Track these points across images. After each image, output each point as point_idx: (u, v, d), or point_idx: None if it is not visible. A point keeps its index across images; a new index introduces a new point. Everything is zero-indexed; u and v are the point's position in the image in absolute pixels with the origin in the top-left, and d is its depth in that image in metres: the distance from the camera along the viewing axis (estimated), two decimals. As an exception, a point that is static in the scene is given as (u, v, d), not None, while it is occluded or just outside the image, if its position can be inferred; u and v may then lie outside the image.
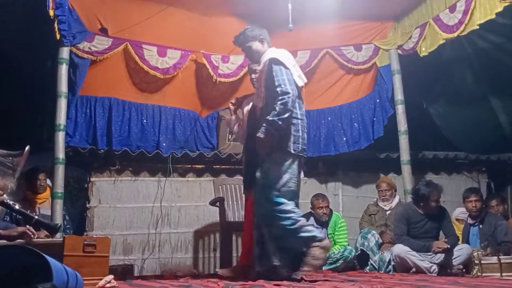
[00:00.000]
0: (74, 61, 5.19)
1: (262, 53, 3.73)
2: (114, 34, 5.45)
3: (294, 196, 3.53)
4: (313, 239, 3.35)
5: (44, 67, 5.53)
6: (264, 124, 3.44)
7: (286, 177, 3.45)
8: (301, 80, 3.62)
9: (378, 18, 5.86)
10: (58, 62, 4.95)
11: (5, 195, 2.98)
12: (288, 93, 3.41)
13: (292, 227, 3.37)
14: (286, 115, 3.40)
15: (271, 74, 3.51)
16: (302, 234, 3.37)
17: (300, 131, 3.53)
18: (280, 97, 3.41)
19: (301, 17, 5.28)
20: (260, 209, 3.51)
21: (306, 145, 3.64)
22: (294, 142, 3.48)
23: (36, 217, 3.14)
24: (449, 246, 4.43)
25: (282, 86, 3.43)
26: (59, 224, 3.31)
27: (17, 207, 3.02)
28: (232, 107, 4.28)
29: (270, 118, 3.40)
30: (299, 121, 3.55)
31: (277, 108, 3.40)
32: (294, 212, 3.41)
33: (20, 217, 4.67)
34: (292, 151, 3.47)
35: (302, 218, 3.48)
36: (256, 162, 3.66)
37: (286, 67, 3.53)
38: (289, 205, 3.41)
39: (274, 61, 3.54)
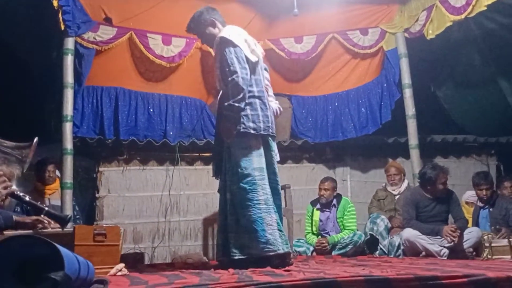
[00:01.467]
0: (79, 51, 5.19)
1: (216, 36, 3.56)
2: (118, 23, 5.44)
3: (266, 179, 3.38)
4: (273, 253, 3.22)
5: (49, 59, 5.54)
6: (223, 111, 3.39)
7: (253, 160, 3.35)
8: (254, 56, 3.49)
9: (384, 1, 5.80)
10: (63, 53, 4.94)
11: (14, 187, 2.99)
12: (236, 72, 3.30)
13: (254, 220, 3.26)
14: (241, 96, 3.30)
15: (223, 55, 3.40)
16: (263, 238, 3.24)
17: (258, 109, 3.42)
18: (229, 78, 3.33)
19: (307, 2, 5.25)
20: (226, 196, 3.46)
21: (271, 122, 3.49)
22: (253, 121, 3.39)
23: (46, 208, 3.15)
24: (458, 234, 4.39)
25: (230, 66, 3.34)
26: (69, 216, 3.32)
27: (27, 198, 3.03)
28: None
29: (226, 104, 3.33)
30: (256, 99, 3.44)
31: (229, 91, 3.33)
32: (261, 204, 3.29)
33: (30, 207, 4.74)
34: (252, 131, 3.38)
35: (271, 216, 3.30)
36: (221, 149, 3.61)
37: (234, 45, 3.38)
38: (258, 194, 3.30)
39: (222, 41, 3.43)
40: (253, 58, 3.47)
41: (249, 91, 3.42)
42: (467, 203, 5.51)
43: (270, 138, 3.52)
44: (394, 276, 2.19)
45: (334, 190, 5.27)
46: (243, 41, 3.46)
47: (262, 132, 3.43)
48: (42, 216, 3.13)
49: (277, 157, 3.63)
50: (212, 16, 3.65)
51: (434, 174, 4.59)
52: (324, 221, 5.25)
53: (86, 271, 2.16)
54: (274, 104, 3.88)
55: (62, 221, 3.32)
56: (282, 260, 3.27)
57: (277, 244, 3.26)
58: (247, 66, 3.38)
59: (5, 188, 2.64)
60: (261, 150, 3.44)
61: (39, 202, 3.26)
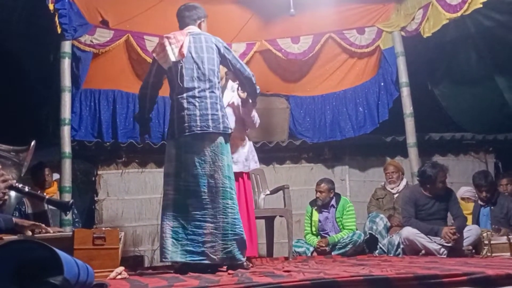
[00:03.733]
0: (76, 54, 5.19)
1: None
2: (115, 26, 5.44)
3: (170, 184, 3.39)
4: (168, 261, 3.35)
5: (46, 62, 5.53)
6: None
7: (164, 167, 3.49)
8: (173, 56, 3.46)
9: (380, 0, 5.80)
10: (60, 56, 4.94)
11: (14, 180, 2.99)
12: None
13: None
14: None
15: None
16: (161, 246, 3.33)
17: (174, 113, 3.44)
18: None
19: (303, 2, 5.25)
20: None
21: (194, 120, 3.35)
22: (169, 127, 3.48)
23: (47, 196, 3.14)
24: (457, 237, 4.39)
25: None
26: (71, 201, 3.29)
27: (26, 189, 3.02)
28: None
29: None
30: (175, 102, 3.47)
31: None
32: (163, 210, 3.40)
33: (29, 212, 4.74)
34: (170, 137, 3.47)
35: (165, 223, 3.31)
36: None
37: None
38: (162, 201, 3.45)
39: None
40: (172, 58, 3.49)
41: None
42: (462, 198, 5.52)
43: (190, 137, 3.36)
44: (393, 275, 2.19)
45: (330, 191, 5.23)
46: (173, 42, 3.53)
47: (174, 136, 3.41)
48: (36, 224, 3.13)
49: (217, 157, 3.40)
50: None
51: (434, 172, 4.59)
52: (323, 221, 5.25)
53: (85, 275, 2.16)
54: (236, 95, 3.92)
55: (64, 206, 3.31)
56: (182, 270, 3.25)
57: (167, 252, 3.29)
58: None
59: (4, 181, 2.63)
60: (171, 155, 3.42)
61: (39, 192, 3.25)
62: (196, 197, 3.33)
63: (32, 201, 4.70)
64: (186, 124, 3.35)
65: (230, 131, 3.45)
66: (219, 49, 3.53)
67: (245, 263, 3.39)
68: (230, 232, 3.29)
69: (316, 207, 5.28)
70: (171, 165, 3.41)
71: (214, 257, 3.26)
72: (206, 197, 3.31)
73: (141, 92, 3.69)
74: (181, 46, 3.42)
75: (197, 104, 3.38)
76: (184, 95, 3.41)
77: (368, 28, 5.94)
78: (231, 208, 3.33)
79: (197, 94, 3.41)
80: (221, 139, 3.39)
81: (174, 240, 3.30)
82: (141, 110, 3.71)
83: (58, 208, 3.35)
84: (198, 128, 3.34)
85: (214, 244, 3.27)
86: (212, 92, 3.44)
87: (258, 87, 3.69)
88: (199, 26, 3.62)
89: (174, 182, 3.38)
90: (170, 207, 3.35)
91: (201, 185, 3.33)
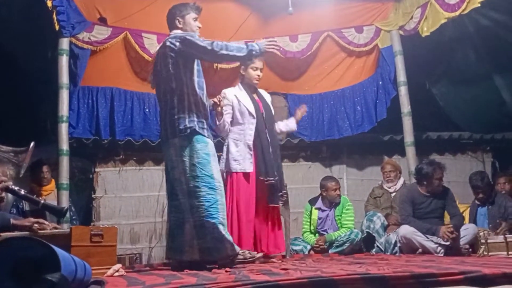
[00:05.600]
0: (74, 51, 5.17)
1: None
2: (113, 23, 5.42)
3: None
4: None
5: (44, 59, 5.52)
6: None
7: None
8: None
9: (378, -2, 5.81)
10: (58, 54, 4.93)
11: (10, 182, 2.99)
12: None
13: None
14: None
15: None
16: None
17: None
18: None
19: (301, 1, 5.24)
20: None
21: (160, 130, 3.78)
22: None
23: (42, 201, 3.15)
24: (455, 236, 4.41)
25: None
26: (66, 207, 3.32)
27: (22, 192, 3.02)
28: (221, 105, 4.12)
29: None
30: None
31: None
32: None
33: (27, 209, 4.73)
34: None
35: None
36: None
37: None
38: None
39: None
40: None
41: None
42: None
43: (171, 140, 3.56)
44: (390, 273, 2.20)
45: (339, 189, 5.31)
46: None
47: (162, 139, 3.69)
48: (40, 220, 3.13)
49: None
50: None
51: (431, 169, 4.59)
52: (323, 218, 5.24)
53: (82, 272, 2.16)
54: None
55: (59, 212, 3.33)
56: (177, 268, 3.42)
57: (167, 249, 3.67)
58: None
59: (0, 182, 2.63)
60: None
61: (34, 196, 3.26)
62: (176, 200, 3.54)
63: (30, 198, 4.69)
64: (162, 131, 3.67)
65: (189, 131, 3.48)
66: (173, 48, 3.55)
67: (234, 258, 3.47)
68: (202, 231, 3.40)
69: (316, 206, 5.28)
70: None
71: (192, 255, 3.44)
72: (180, 198, 3.50)
73: None
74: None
75: (161, 111, 3.68)
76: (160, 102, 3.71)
77: (367, 27, 5.93)
78: (200, 207, 3.41)
79: (162, 99, 3.63)
80: (180, 142, 3.51)
81: (171, 238, 3.58)
82: None
83: (53, 213, 3.36)
84: (163, 136, 3.64)
85: (192, 243, 3.44)
86: (172, 97, 3.54)
87: (222, 51, 3.51)
88: (179, 23, 3.71)
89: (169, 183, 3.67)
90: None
91: (176, 188, 3.53)
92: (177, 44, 3.52)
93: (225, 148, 4.24)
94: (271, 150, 4.20)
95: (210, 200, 3.42)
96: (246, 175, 4.11)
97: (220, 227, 3.40)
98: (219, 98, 4.04)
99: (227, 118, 4.20)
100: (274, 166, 4.18)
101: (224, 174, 4.14)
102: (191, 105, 3.52)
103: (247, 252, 3.58)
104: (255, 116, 4.20)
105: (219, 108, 4.05)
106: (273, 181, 4.12)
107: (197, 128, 3.49)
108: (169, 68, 3.54)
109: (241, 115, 4.20)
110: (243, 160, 4.11)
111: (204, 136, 3.53)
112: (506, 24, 5.35)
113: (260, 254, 3.72)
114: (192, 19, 3.72)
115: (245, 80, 4.34)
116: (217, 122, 4.13)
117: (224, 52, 3.49)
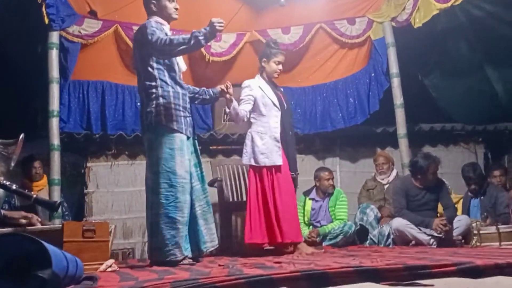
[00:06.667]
0: (64, 45, 5.13)
1: None
2: (103, 16, 5.38)
3: None
4: None
5: (34, 53, 5.46)
6: None
7: None
8: None
9: (371, -10, 5.79)
10: (48, 47, 4.89)
11: (0, 177, 2.96)
12: None
13: None
14: None
15: None
16: None
17: None
18: None
19: (293, -8, 5.22)
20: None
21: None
22: None
23: (34, 195, 3.12)
24: (448, 228, 4.42)
25: None
26: (58, 201, 3.29)
27: (14, 187, 2.99)
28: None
29: None
30: None
31: None
32: None
33: (19, 205, 4.70)
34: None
35: None
36: None
37: None
38: None
39: None
40: None
41: None
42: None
43: (144, 135, 3.63)
44: (383, 266, 2.20)
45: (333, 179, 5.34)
46: None
47: None
48: (31, 215, 3.11)
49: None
50: None
51: (426, 163, 4.61)
52: (316, 209, 5.25)
53: (74, 268, 2.15)
54: None
55: (51, 206, 3.31)
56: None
57: None
58: None
59: None
60: None
61: (26, 190, 3.24)
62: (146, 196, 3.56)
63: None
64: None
65: (154, 124, 3.44)
66: (136, 41, 3.56)
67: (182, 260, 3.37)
68: (156, 230, 3.37)
69: (311, 196, 5.28)
70: None
71: (149, 253, 3.49)
72: (148, 194, 3.51)
73: None
74: None
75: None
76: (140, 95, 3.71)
77: (359, 19, 5.92)
78: (159, 204, 3.37)
79: (140, 91, 3.62)
80: (149, 136, 3.50)
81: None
82: None
83: (46, 208, 3.34)
84: (141, 130, 3.71)
85: (149, 241, 3.49)
86: (144, 89, 3.51)
87: (166, 47, 3.35)
88: (154, 6, 3.56)
89: None
90: None
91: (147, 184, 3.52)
92: (139, 36, 3.49)
93: (248, 142, 4.17)
94: (292, 144, 4.24)
95: (168, 198, 3.35)
96: (277, 167, 4.07)
97: (179, 226, 3.34)
98: (226, 85, 3.94)
99: (246, 107, 4.13)
100: (294, 160, 4.20)
101: (248, 167, 4.18)
102: (158, 98, 3.44)
103: (186, 262, 3.39)
104: (279, 108, 4.17)
105: (228, 95, 3.95)
106: (294, 175, 4.15)
107: (163, 122, 3.42)
108: (137, 60, 3.53)
109: (265, 107, 4.15)
110: (270, 153, 4.06)
111: (172, 129, 3.43)
112: (498, 15, 5.35)
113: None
114: (167, 1, 3.57)
115: (265, 73, 4.30)
116: (226, 110, 4.09)
117: (168, 48, 3.32)
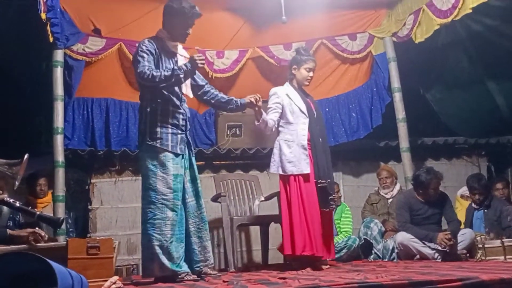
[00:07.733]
0: (68, 63, 5.16)
1: None
2: (107, 34, 5.43)
3: None
4: None
5: (39, 71, 5.51)
6: None
7: None
8: None
9: (371, 6, 5.84)
10: (52, 65, 4.92)
11: (5, 194, 2.98)
12: None
13: None
14: None
15: None
16: None
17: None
18: None
19: (294, 9, 5.26)
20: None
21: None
22: None
23: (37, 212, 3.14)
24: (453, 243, 4.41)
25: None
26: (62, 218, 3.31)
27: (17, 204, 3.01)
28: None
29: None
30: None
31: None
32: None
33: (23, 221, 4.71)
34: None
35: None
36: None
37: None
38: None
39: None
40: None
41: None
42: (462, 196, 5.53)
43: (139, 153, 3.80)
44: (388, 281, 2.20)
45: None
46: None
47: None
48: (37, 229, 3.12)
49: None
50: None
51: (428, 178, 4.61)
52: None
53: (79, 286, 2.15)
54: None
55: (55, 223, 3.32)
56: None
57: None
58: None
59: None
60: None
61: (30, 207, 3.25)
62: None
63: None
64: None
65: (143, 142, 3.52)
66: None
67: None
68: (142, 246, 3.48)
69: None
70: None
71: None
72: None
73: None
74: None
75: None
76: None
77: (360, 34, 5.96)
78: (143, 222, 3.46)
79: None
80: (139, 153, 3.64)
81: None
82: None
83: (49, 224, 3.35)
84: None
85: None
86: (141, 106, 3.64)
87: (147, 82, 3.51)
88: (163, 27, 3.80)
89: None
90: None
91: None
92: (134, 55, 3.65)
93: (275, 151, 4.14)
94: (323, 152, 4.13)
95: (147, 215, 3.40)
96: (304, 176, 4.02)
97: (155, 243, 3.34)
98: (256, 98, 3.90)
99: (274, 116, 4.11)
100: (326, 168, 4.09)
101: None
102: (147, 115, 3.56)
103: (184, 275, 3.34)
104: (307, 115, 4.13)
105: (256, 108, 3.93)
106: (325, 184, 4.02)
107: (147, 139, 3.49)
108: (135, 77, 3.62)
109: (292, 114, 4.12)
110: (298, 162, 4.00)
111: (155, 146, 3.46)
112: (498, 29, 5.39)
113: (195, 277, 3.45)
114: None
115: (296, 80, 4.30)
116: (256, 122, 4.01)
117: (150, 83, 3.46)
